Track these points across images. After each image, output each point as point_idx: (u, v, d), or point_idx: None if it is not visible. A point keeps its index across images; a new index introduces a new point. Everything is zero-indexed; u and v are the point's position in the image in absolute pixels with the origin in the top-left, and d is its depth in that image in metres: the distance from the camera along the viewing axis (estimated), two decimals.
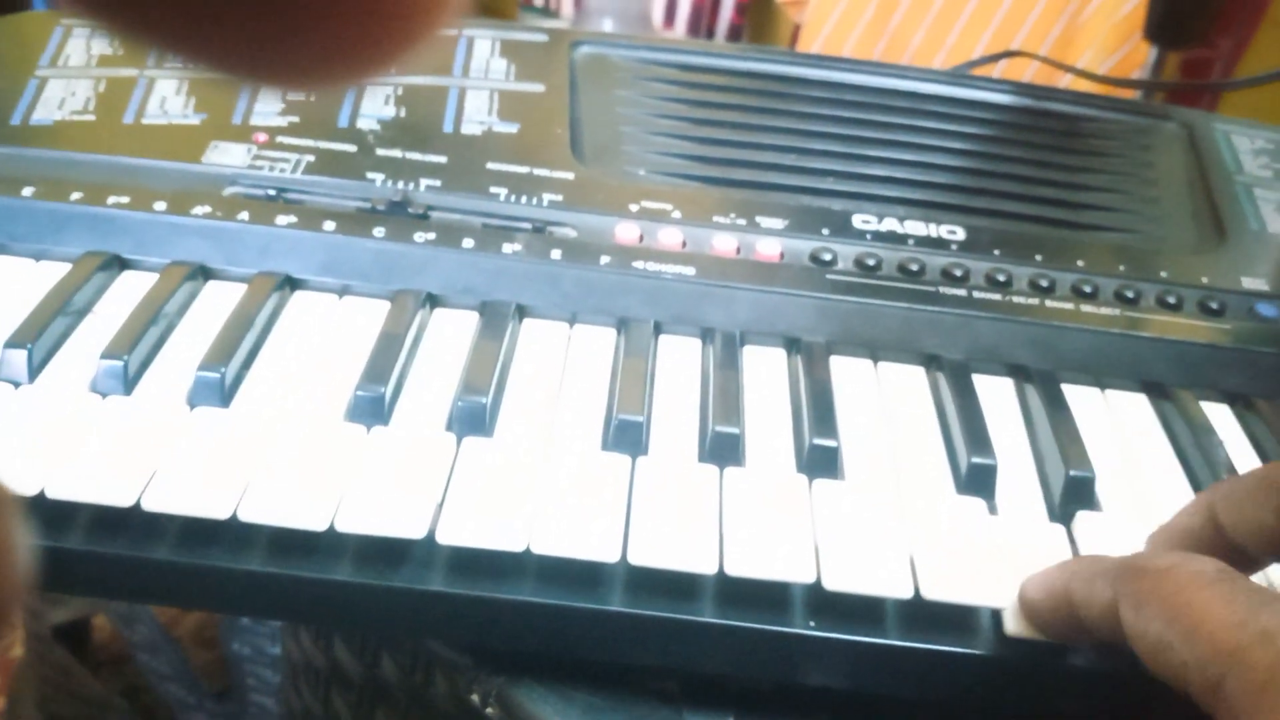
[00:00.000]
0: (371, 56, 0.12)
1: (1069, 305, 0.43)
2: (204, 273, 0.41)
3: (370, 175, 0.44)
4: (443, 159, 0.45)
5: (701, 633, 0.31)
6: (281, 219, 0.42)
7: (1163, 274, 0.45)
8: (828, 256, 0.44)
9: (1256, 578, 0.32)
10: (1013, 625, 0.31)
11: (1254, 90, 0.78)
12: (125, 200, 0.42)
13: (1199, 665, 0.24)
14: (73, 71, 0.47)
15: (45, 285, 0.39)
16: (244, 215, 0.42)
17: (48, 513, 0.31)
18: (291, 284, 0.41)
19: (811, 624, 0.31)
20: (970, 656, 0.31)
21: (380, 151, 0.45)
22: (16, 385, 0.35)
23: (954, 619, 0.31)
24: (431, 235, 0.42)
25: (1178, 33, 0.78)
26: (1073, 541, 0.34)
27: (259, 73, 0.12)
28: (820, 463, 0.36)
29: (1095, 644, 0.30)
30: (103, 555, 0.31)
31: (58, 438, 0.32)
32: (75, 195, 0.42)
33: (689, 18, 1.26)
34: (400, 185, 0.44)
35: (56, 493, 0.30)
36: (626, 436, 0.35)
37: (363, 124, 0.46)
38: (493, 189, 0.44)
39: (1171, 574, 0.26)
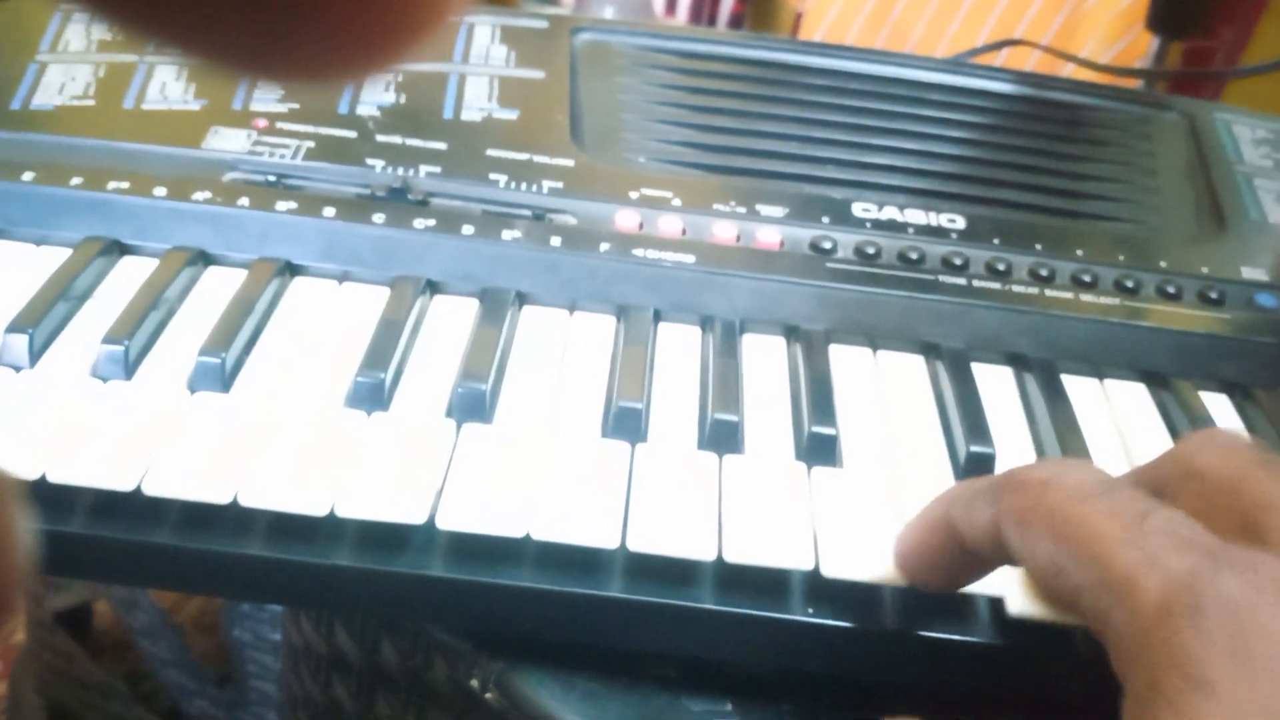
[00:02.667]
0: (374, 53, 0.12)
1: (1068, 294, 0.43)
2: (204, 258, 0.41)
3: (370, 161, 0.44)
4: (443, 145, 0.45)
5: (700, 619, 0.31)
6: (281, 205, 0.42)
7: (1162, 264, 0.45)
8: (828, 245, 0.44)
9: None
10: (1016, 606, 0.30)
11: (1257, 80, 0.78)
12: (125, 185, 0.42)
13: (1089, 593, 0.22)
14: (73, 56, 0.47)
15: (46, 270, 0.39)
16: (244, 201, 0.42)
17: (49, 497, 0.31)
18: (291, 270, 0.41)
19: (810, 611, 0.31)
20: (968, 644, 0.31)
21: (380, 138, 0.45)
22: (17, 370, 0.35)
23: (952, 607, 0.32)
24: (431, 222, 0.42)
25: (1180, 22, 0.78)
26: None
27: (259, 68, 0.12)
28: (819, 450, 0.36)
29: (986, 573, 0.29)
30: (103, 540, 0.31)
31: (59, 422, 0.32)
32: (75, 180, 0.42)
33: (690, 5, 1.26)
34: (400, 171, 0.44)
35: (57, 477, 0.30)
36: (626, 423, 0.36)
37: (363, 110, 0.46)
38: (493, 175, 0.44)
39: (1052, 487, 0.24)
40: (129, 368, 0.36)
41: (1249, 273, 0.45)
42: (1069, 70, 0.82)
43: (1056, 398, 0.39)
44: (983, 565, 0.28)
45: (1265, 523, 0.24)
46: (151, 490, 0.30)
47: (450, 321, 0.40)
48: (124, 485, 0.30)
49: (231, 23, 0.11)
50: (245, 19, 0.11)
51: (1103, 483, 0.24)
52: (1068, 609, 0.24)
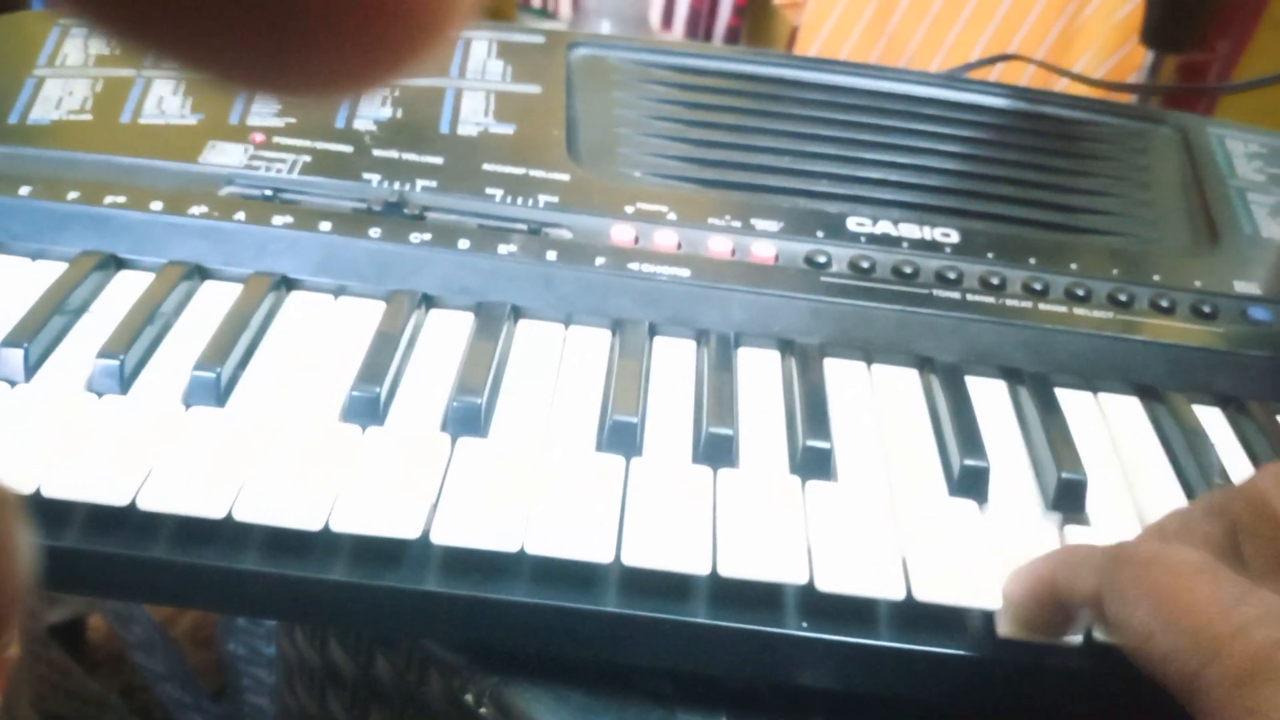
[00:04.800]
0: (375, 68, 0.12)
1: (1062, 308, 0.43)
2: (200, 272, 0.41)
3: (366, 176, 0.44)
4: (439, 160, 0.45)
5: (695, 633, 0.31)
6: (278, 219, 0.42)
7: (1156, 277, 0.45)
8: (822, 259, 0.44)
9: None
10: (1004, 627, 0.31)
11: (1251, 94, 0.78)
12: (122, 200, 0.42)
13: (1178, 656, 0.24)
14: (70, 71, 0.47)
15: (42, 284, 0.39)
16: (240, 215, 0.42)
17: (44, 511, 0.31)
18: (287, 284, 0.42)
19: (804, 625, 0.31)
20: (961, 658, 0.31)
21: (377, 152, 0.45)
22: (13, 384, 0.35)
23: (946, 620, 0.32)
24: (427, 236, 0.42)
25: (1175, 36, 0.78)
26: (1063, 544, 0.34)
27: (259, 82, 0.12)
28: (813, 464, 0.36)
29: (1080, 630, 0.31)
30: (99, 554, 0.31)
31: (54, 437, 0.32)
32: (72, 195, 0.42)
33: (686, 19, 1.26)
34: (396, 186, 0.44)
35: (52, 491, 0.31)
36: (621, 437, 0.36)
37: (359, 125, 0.46)
38: (489, 190, 0.44)
39: (1157, 562, 0.26)
40: (124, 382, 0.36)
41: (1242, 286, 0.45)
42: (1063, 85, 0.83)
43: (1050, 411, 0.40)
44: (1076, 624, 0.30)
45: None
46: (146, 505, 0.31)
47: (446, 335, 0.40)
48: (119, 500, 0.31)
49: (232, 37, 0.11)
50: (246, 33, 0.11)
51: (1208, 562, 0.26)
52: (1153, 672, 0.25)
